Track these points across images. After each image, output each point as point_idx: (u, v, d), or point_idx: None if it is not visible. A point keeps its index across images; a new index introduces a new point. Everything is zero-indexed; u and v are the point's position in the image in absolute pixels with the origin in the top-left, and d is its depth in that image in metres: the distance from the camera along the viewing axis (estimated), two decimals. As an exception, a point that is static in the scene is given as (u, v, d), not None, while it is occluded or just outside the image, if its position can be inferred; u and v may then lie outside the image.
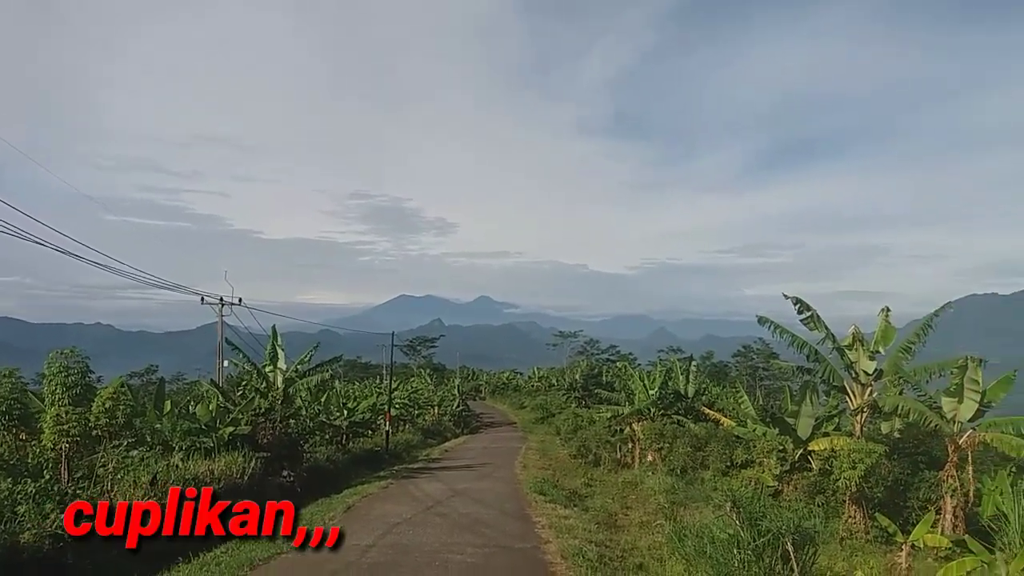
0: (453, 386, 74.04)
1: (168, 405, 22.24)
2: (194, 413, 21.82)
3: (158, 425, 20.19)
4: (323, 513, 18.30)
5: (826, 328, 20.87)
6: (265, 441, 22.66)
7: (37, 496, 11.69)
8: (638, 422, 34.05)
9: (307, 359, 26.94)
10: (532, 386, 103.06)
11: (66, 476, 14.97)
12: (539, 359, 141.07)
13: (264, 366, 25.44)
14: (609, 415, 38.27)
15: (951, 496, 17.96)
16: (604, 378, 62.57)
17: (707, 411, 32.31)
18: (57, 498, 11.91)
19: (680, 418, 32.99)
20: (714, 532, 11.88)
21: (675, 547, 13.44)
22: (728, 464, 25.47)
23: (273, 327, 26.82)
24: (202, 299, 31.61)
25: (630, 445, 34.66)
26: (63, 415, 15.54)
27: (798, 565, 10.44)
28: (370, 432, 41.83)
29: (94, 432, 16.34)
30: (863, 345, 20.69)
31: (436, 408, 63.00)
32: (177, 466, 17.50)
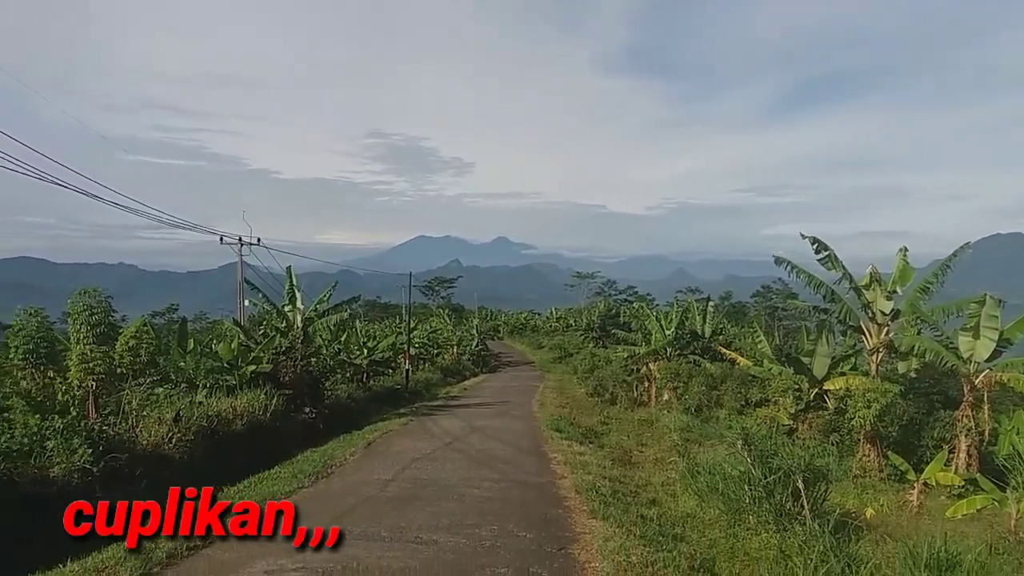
0: (472, 326, 74.54)
1: (191, 343, 22.48)
2: (216, 352, 22.10)
3: (182, 363, 20.48)
4: (344, 448, 18.65)
5: (843, 268, 20.71)
6: (287, 379, 22.99)
7: (65, 432, 11.94)
8: (654, 362, 34.30)
9: (326, 299, 27.23)
10: (550, 326, 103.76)
11: (93, 413, 15.31)
12: (557, 300, 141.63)
13: (283, 305, 25.74)
14: (626, 355, 38.55)
15: (965, 436, 18.00)
16: (621, 319, 62.74)
17: (723, 350, 32.40)
18: (84, 433, 12.17)
19: (696, 358, 33.16)
20: (726, 469, 12.04)
21: (688, 483, 13.66)
22: (743, 403, 25.65)
23: (288, 268, 27.01)
24: (221, 239, 31.79)
25: (646, 384, 34.97)
26: (88, 353, 15.86)
27: (808, 502, 10.57)
28: (390, 371, 42.39)
29: (119, 370, 16.69)
30: (880, 285, 20.57)
31: (455, 347, 63.55)
32: (200, 403, 17.80)
